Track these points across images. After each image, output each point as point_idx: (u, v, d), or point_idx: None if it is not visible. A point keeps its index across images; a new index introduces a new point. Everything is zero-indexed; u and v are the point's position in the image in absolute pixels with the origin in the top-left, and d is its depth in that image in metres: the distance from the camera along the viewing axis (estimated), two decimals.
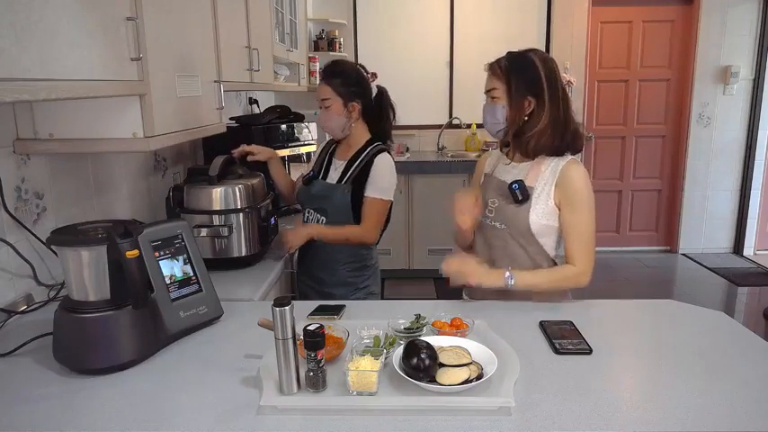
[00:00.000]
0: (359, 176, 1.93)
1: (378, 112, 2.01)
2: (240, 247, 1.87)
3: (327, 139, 2.15)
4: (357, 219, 1.95)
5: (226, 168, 1.93)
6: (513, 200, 1.51)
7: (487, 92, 1.55)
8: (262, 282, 1.78)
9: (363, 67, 2.00)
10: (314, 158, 2.18)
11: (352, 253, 2.00)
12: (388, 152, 1.99)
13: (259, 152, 2.07)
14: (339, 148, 2.06)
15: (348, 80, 1.94)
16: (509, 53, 1.53)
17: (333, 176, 2.01)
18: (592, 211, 1.49)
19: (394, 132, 2.10)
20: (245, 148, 2.05)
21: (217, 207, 1.85)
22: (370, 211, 1.93)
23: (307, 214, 2.07)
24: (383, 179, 1.93)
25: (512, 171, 1.57)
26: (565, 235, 1.51)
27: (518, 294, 1.48)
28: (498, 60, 1.53)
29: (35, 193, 1.51)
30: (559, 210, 1.50)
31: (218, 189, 1.85)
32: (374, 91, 1.99)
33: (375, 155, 1.94)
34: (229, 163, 1.95)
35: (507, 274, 1.46)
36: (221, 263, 1.84)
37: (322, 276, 2.05)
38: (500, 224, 1.55)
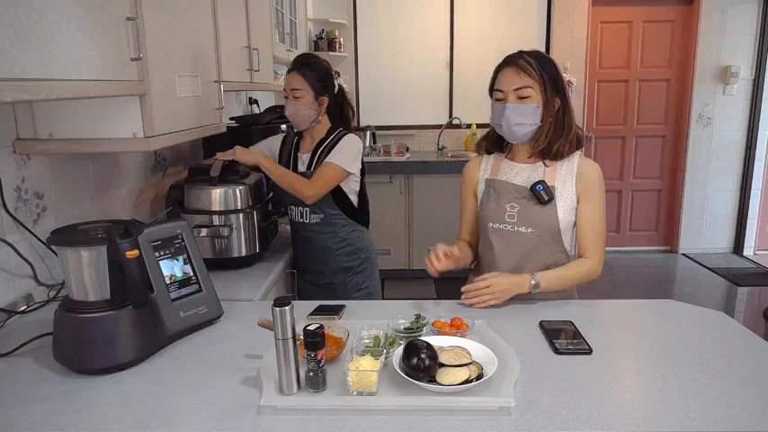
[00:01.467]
0: (325, 157, 1.98)
1: (339, 108, 2.09)
2: (240, 247, 1.87)
3: (284, 133, 2.21)
4: (338, 200, 2.01)
5: (227, 168, 1.93)
6: (537, 201, 1.49)
7: (516, 90, 1.46)
8: (262, 282, 1.78)
9: (329, 64, 2.08)
10: (271, 151, 2.15)
11: (342, 238, 2.06)
12: (355, 134, 2.06)
13: (243, 159, 1.92)
14: (302, 143, 2.09)
15: (320, 74, 1.99)
16: (525, 51, 1.49)
17: (301, 170, 2.05)
18: (605, 205, 1.53)
19: (394, 132, 2.15)
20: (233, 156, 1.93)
21: (217, 208, 1.85)
22: (319, 172, 1.96)
23: (290, 211, 2.09)
24: (343, 150, 1.97)
25: (521, 173, 1.55)
26: (581, 227, 1.52)
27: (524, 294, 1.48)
28: (523, 58, 1.46)
29: (35, 193, 1.51)
30: (577, 203, 1.52)
31: (219, 190, 1.85)
32: (337, 87, 2.07)
33: (342, 136, 2.01)
34: (232, 162, 1.95)
35: (533, 281, 1.44)
36: (221, 263, 1.84)
37: (320, 268, 2.09)
38: (526, 228, 1.52)
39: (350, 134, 2.04)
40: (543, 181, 1.49)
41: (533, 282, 1.44)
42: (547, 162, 1.52)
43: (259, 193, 2.00)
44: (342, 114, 2.11)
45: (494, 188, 1.58)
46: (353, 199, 2.07)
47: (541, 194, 1.48)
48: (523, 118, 1.46)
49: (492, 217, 1.56)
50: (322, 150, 2.01)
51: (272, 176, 1.94)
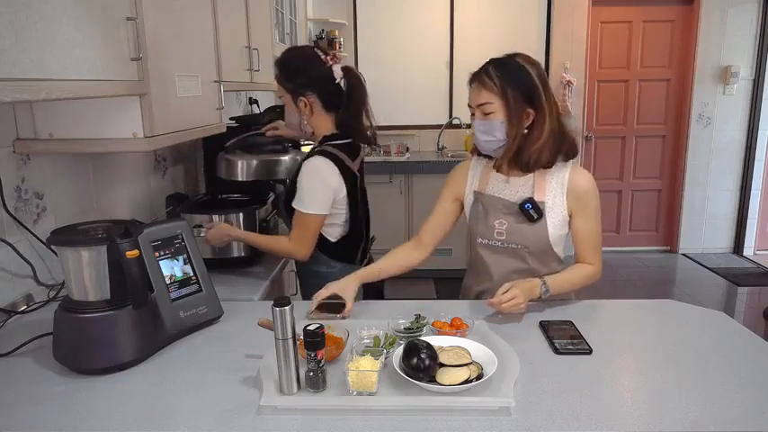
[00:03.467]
0: (293, 182, 1.71)
1: (346, 99, 1.70)
2: (240, 248, 1.87)
3: None
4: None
5: (252, 141, 2.04)
6: (526, 219, 1.46)
7: (478, 106, 1.41)
8: (262, 282, 1.78)
9: (322, 49, 1.72)
10: None
11: (311, 270, 1.78)
12: (330, 154, 1.66)
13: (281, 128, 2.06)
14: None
15: (292, 71, 1.68)
16: (494, 61, 1.42)
17: None
18: (600, 213, 1.51)
19: (394, 132, 2.01)
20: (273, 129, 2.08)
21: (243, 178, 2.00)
22: (295, 223, 1.67)
23: None
24: (304, 188, 1.64)
25: (510, 187, 1.51)
26: (578, 239, 1.51)
27: None
28: (485, 71, 1.41)
29: (35, 193, 1.51)
30: (570, 217, 1.49)
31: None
32: (339, 75, 1.69)
33: (308, 157, 1.67)
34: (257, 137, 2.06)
35: (543, 288, 1.41)
36: (221, 263, 1.84)
37: (302, 288, 1.92)
38: (516, 245, 1.49)
39: (313, 158, 1.64)
40: (532, 198, 1.45)
41: (543, 288, 1.41)
42: (536, 173, 1.46)
43: (260, 191, 2.01)
44: (348, 108, 1.71)
45: (482, 203, 1.53)
46: (330, 231, 1.73)
47: (530, 213, 1.44)
48: (488, 135, 1.43)
49: (480, 233, 1.53)
50: (297, 172, 1.70)
51: (254, 246, 1.77)
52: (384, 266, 1.57)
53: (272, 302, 1.02)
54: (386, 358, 1.11)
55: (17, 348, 1.22)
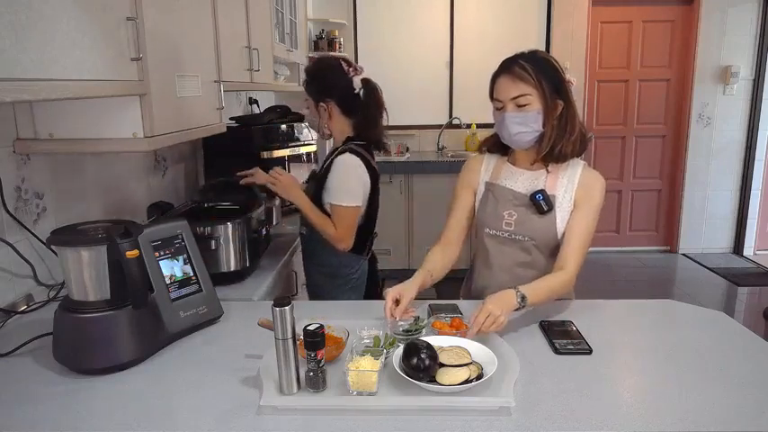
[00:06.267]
0: (322, 177, 1.83)
1: (362, 107, 1.85)
2: (229, 262, 1.73)
3: None
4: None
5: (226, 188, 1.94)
6: (536, 210, 1.46)
7: (513, 99, 1.40)
8: (261, 282, 1.77)
9: (347, 61, 1.86)
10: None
11: (321, 259, 1.90)
12: (357, 152, 1.81)
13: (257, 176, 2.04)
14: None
15: (315, 79, 1.86)
16: (522, 54, 1.44)
17: None
18: (597, 220, 1.48)
19: (394, 132, 2.05)
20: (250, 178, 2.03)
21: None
22: (336, 219, 1.79)
23: None
24: (339, 182, 1.78)
25: (522, 180, 1.51)
26: (568, 233, 1.46)
27: None
28: (516, 63, 1.41)
29: (35, 193, 1.51)
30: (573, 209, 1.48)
31: None
32: (358, 85, 1.83)
33: (338, 155, 1.80)
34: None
35: (518, 296, 1.29)
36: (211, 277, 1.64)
37: (307, 272, 2.01)
38: (523, 237, 1.49)
39: (343, 155, 1.79)
40: (543, 190, 1.46)
41: (519, 296, 1.31)
42: (549, 168, 1.48)
43: (251, 199, 1.95)
44: (364, 116, 1.85)
45: (492, 193, 1.54)
46: None
47: (541, 204, 1.45)
48: (524, 126, 1.41)
49: (488, 223, 1.54)
50: (321, 168, 1.84)
51: (306, 214, 1.82)
52: (432, 269, 1.51)
53: (272, 302, 1.02)
54: (386, 358, 1.11)
55: (17, 348, 1.22)
